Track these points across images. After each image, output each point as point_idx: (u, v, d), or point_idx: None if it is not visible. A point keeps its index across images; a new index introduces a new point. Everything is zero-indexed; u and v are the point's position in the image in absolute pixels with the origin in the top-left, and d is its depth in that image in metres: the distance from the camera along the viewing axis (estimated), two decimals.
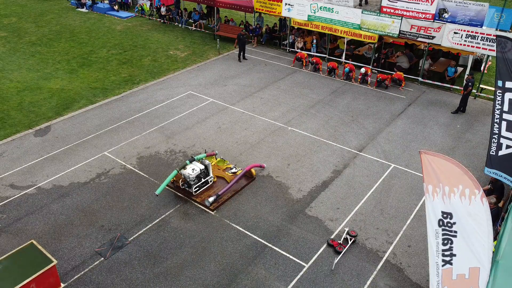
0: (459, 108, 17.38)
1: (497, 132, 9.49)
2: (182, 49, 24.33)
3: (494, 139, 9.56)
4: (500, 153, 9.45)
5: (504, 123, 9.38)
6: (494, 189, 11.31)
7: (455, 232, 6.69)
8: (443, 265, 6.73)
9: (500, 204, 10.82)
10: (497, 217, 10.09)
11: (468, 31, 17.70)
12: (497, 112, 9.48)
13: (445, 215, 6.80)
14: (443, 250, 6.77)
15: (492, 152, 9.62)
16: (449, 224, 6.75)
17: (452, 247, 6.68)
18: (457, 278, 6.54)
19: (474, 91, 18.46)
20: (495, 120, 9.51)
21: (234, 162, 13.86)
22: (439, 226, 6.84)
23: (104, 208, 11.80)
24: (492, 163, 9.71)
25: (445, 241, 6.77)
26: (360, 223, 11.38)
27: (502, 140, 9.42)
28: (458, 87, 19.23)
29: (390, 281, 9.69)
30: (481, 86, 18.74)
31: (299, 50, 23.34)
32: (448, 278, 6.62)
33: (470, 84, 16.81)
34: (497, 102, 9.48)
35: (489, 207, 8.14)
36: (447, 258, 6.70)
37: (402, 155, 14.38)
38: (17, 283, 8.32)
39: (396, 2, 19.24)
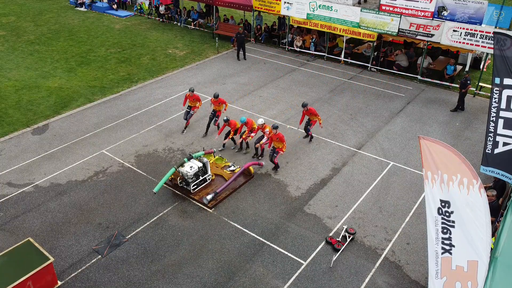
0: (458, 106, 17.35)
1: (492, 130, 9.43)
2: (181, 48, 24.28)
3: (490, 137, 9.50)
4: (496, 150, 9.39)
5: (501, 121, 9.32)
6: (495, 188, 11.27)
7: (453, 222, 6.59)
8: (442, 253, 6.64)
9: (500, 201, 10.79)
10: (497, 210, 10.06)
11: (467, 29, 17.65)
12: (494, 110, 9.42)
13: (443, 204, 6.70)
14: (442, 238, 6.67)
15: (488, 150, 9.56)
16: (447, 213, 6.65)
17: (451, 237, 6.60)
18: (456, 269, 6.46)
19: (473, 89, 18.44)
20: (491, 118, 9.45)
21: (232, 160, 13.82)
22: (438, 214, 6.75)
23: (102, 206, 11.76)
24: (488, 161, 9.65)
25: (444, 230, 6.69)
26: (358, 220, 11.35)
27: (498, 138, 9.35)
28: (457, 85, 19.18)
29: (389, 279, 9.65)
30: (480, 84, 18.71)
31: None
32: (448, 267, 6.53)
33: (468, 82, 16.77)
34: (493, 100, 9.42)
35: (490, 199, 8.06)
36: (447, 247, 6.60)
37: (401, 153, 14.35)
38: (13, 281, 8.30)
39: (395, 0, 19.20)
